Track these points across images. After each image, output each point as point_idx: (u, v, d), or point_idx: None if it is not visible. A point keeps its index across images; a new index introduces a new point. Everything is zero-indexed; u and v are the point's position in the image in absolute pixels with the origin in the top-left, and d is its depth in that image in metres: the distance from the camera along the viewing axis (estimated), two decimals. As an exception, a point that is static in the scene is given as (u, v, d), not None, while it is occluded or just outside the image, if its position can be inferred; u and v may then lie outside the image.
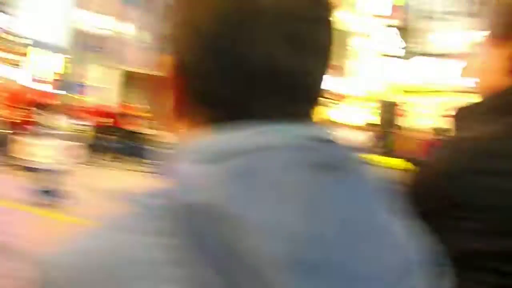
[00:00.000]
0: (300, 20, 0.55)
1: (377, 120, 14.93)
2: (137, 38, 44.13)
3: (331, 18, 0.59)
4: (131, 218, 0.51)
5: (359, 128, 12.55)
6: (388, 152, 10.48)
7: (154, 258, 0.47)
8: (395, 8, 17.86)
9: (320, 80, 0.58)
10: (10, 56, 38.80)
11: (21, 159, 10.50)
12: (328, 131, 0.57)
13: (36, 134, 8.37)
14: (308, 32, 0.55)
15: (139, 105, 15.45)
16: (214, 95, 0.56)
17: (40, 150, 7.96)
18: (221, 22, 0.54)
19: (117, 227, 0.51)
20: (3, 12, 38.56)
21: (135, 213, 0.51)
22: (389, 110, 15.25)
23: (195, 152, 0.53)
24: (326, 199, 0.51)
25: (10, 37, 39.23)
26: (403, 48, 17.64)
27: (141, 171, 13.16)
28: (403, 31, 17.61)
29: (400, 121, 14.86)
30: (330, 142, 0.55)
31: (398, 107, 15.49)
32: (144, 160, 14.93)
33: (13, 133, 12.72)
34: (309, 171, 0.51)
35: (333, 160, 0.53)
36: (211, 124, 0.55)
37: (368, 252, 0.51)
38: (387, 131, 13.75)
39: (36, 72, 51.10)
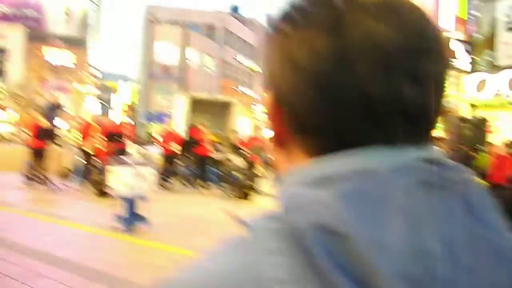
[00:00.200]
0: (405, 52, 0.56)
1: (455, 137, 14.46)
2: (202, 65, 45.05)
3: (439, 48, 0.60)
4: (250, 239, 0.53)
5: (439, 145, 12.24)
6: (474, 169, 10.18)
7: (275, 277, 0.49)
8: (459, 20, 17.23)
9: (430, 106, 0.59)
10: (87, 88, 40.54)
11: (101, 186, 10.95)
12: (438, 152, 0.59)
13: (113, 162, 8.63)
14: (412, 62, 0.57)
15: (207, 130, 15.68)
16: (317, 126, 0.58)
17: (118, 177, 8.17)
18: (324, 59, 0.56)
19: (238, 248, 0.53)
20: (81, 47, 40.38)
21: (253, 235, 0.53)
22: (474, 127, 14.70)
23: (304, 177, 0.56)
24: (435, 217, 0.52)
25: (87, 70, 41.06)
26: (471, 62, 17.03)
27: (212, 195, 13.36)
28: (471, 44, 17.01)
29: (486, 138, 14.35)
30: (439, 162, 0.56)
31: (484, 123, 14.91)
32: (214, 184, 15.16)
33: (93, 162, 13.27)
34: (416, 191, 0.53)
35: (441, 179, 0.55)
36: (316, 152, 0.58)
37: (483, 270, 0.52)
38: (470, 149, 13.34)
39: (110, 102, 52.90)
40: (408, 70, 0.56)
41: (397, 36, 0.56)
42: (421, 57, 0.57)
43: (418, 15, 0.60)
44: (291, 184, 0.58)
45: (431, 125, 0.60)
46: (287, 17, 0.61)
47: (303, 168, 0.58)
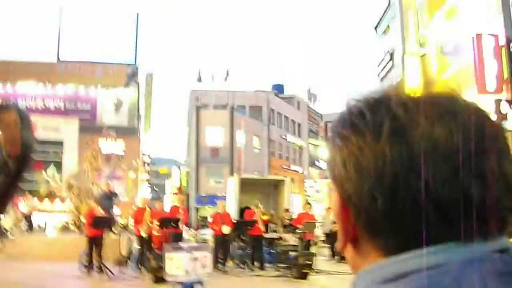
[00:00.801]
0: (466, 153, 0.57)
1: None
2: (250, 146, 45.61)
3: (501, 145, 0.61)
4: None
5: None
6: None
7: None
8: (504, 81, 16.67)
9: (499, 203, 0.59)
10: (139, 175, 41.46)
11: (158, 272, 10.93)
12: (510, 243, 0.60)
13: (169, 248, 8.66)
14: (475, 162, 0.57)
15: (259, 210, 15.58)
16: (383, 227, 0.60)
17: (174, 263, 8.18)
18: (388, 165, 0.58)
19: None
20: (132, 135, 41.68)
21: None
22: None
23: (379, 275, 0.59)
24: None
25: (138, 157, 42.15)
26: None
27: (269, 276, 13.12)
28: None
29: None
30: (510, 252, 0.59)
31: None
32: (270, 265, 14.92)
33: (149, 248, 13.35)
34: (491, 281, 0.54)
35: None
36: (385, 249, 0.61)
37: None
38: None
39: (164, 188, 53.47)
40: (471, 170, 0.57)
41: (455, 138, 0.58)
42: (483, 156, 0.58)
43: (475, 114, 0.61)
44: (368, 282, 0.60)
45: (503, 220, 0.60)
46: (347, 123, 0.64)
47: (377, 265, 0.60)
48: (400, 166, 0.57)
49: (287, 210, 17.32)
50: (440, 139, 0.58)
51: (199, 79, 47.27)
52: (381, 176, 0.58)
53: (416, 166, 0.57)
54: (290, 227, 15.57)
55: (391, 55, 23.27)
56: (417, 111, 0.60)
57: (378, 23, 25.37)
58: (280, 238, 15.38)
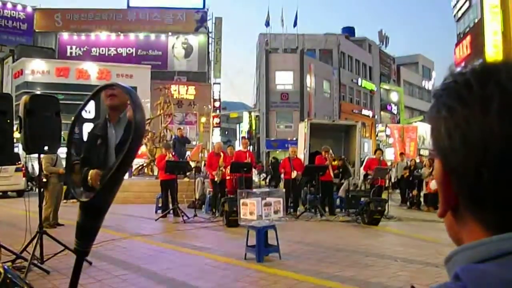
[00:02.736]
0: None
1: None
2: (320, 90, 45.08)
3: None
4: None
5: None
6: None
7: None
8: None
9: None
10: (210, 120, 42.04)
11: (231, 216, 11.19)
12: None
13: (242, 192, 8.77)
14: None
15: (329, 155, 15.47)
16: (485, 201, 0.59)
17: (247, 207, 8.31)
18: (496, 140, 0.57)
19: None
20: (203, 81, 42.03)
21: None
22: None
23: (482, 252, 0.58)
24: None
25: (209, 103, 42.61)
26: None
27: (339, 222, 13.17)
28: None
29: None
30: None
31: None
32: (340, 210, 14.96)
33: (222, 192, 13.64)
34: None
35: None
36: (486, 223, 0.60)
37: None
38: None
39: (235, 132, 54.01)
40: None
41: None
42: None
43: None
44: (465, 260, 0.59)
45: None
46: (453, 94, 0.63)
47: (476, 243, 0.59)
48: (510, 143, 0.56)
49: (358, 156, 17.10)
50: None
51: (268, 23, 46.69)
52: (488, 151, 0.57)
53: None
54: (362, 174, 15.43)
55: (468, -7, 22.12)
56: None
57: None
58: (352, 184, 15.30)
